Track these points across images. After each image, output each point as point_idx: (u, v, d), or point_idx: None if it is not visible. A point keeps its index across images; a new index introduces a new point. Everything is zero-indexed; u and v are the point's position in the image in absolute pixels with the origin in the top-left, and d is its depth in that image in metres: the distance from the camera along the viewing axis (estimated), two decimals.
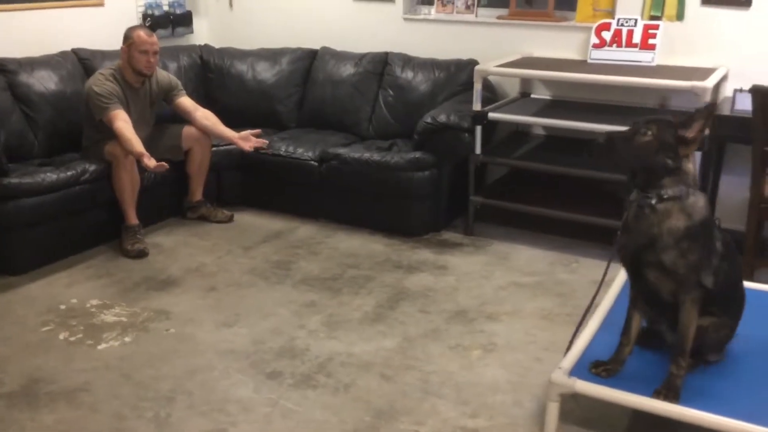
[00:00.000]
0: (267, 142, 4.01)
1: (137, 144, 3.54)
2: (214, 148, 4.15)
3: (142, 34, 3.75)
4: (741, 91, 3.68)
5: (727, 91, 3.79)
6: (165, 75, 4.04)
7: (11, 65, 3.89)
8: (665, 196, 1.97)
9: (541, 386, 2.52)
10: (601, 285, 2.25)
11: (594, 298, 2.24)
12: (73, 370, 2.69)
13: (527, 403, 2.50)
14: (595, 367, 2.19)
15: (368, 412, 2.45)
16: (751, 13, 3.72)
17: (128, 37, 3.76)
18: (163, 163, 3.51)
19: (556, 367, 2.22)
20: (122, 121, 3.62)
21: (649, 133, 1.97)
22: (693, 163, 2.01)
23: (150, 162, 3.47)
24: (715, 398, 2.05)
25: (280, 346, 2.86)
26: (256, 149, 3.92)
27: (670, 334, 2.16)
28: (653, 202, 1.98)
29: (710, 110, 1.92)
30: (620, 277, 2.77)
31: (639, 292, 2.16)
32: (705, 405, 2.01)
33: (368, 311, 3.15)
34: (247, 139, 3.89)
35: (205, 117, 4.02)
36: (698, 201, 2.00)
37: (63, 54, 4.18)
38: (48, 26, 4.25)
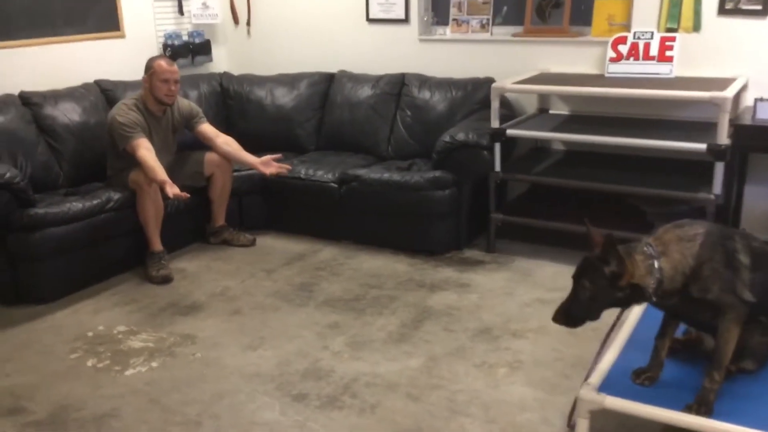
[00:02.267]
0: (289, 167, 4.05)
1: (160, 172, 3.59)
2: (235, 173, 4.19)
3: (162, 63, 3.82)
4: (762, 100, 3.65)
5: (748, 100, 3.76)
6: (186, 103, 4.10)
7: (36, 98, 3.98)
8: (657, 296, 1.96)
9: (570, 403, 2.49)
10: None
11: (619, 315, 2.21)
12: (102, 396, 2.70)
13: (556, 420, 2.47)
14: (637, 377, 2.17)
15: None
16: None
17: (149, 66, 3.83)
18: (185, 193, 3.54)
19: (584, 383, 2.20)
20: (145, 149, 3.67)
21: (587, 285, 1.97)
22: (637, 258, 1.95)
23: (172, 189, 3.51)
24: (750, 412, 2.01)
25: (305, 368, 2.86)
26: (278, 174, 3.96)
27: (709, 340, 2.13)
28: (654, 300, 1.98)
29: (610, 238, 1.91)
30: None
31: (679, 319, 2.14)
32: (739, 419, 1.97)
33: (392, 331, 3.15)
34: (268, 165, 3.93)
35: (227, 143, 4.07)
36: (673, 255, 1.95)
37: (86, 86, 4.27)
38: (71, 59, 4.35)
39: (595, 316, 2.02)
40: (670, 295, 1.97)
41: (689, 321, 2.12)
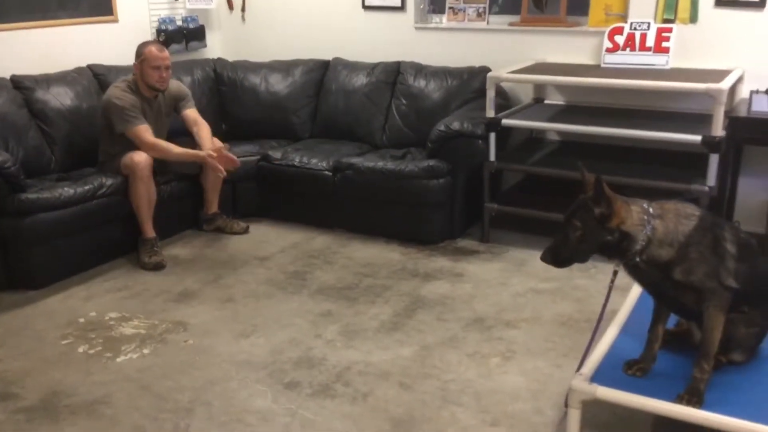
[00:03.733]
0: (237, 161, 3.90)
1: (181, 149, 3.77)
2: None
3: (153, 49, 3.78)
4: (757, 92, 3.66)
5: (743, 92, 3.76)
6: (176, 84, 4.06)
7: (27, 82, 3.94)
8: (642, 257, 1.98)
9: (562, 394, 2.49)
10: (608, 297, 2.23)
11: (604, 305, 2.22)
12: (93, 382, 2.69)
13: (548, 410, 2.48)
14: (629, 368, 2.17)
15: (387, 422, 2.43)
16: (765, 15, 3.71)
17: (140, 53, 3.79)
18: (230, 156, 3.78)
19: (576, 373, 2.20)
20: (152, 135, 3.72)
21: (578, 225, 1.98)
22: (633, 209, 1.98)
23: (213, 155, 3.71)
24: (740, 402, 2.02)
25: (298, 356, 2.85)
26: (228, 170, 3.84)
27: (698, 332, 2.14)
28: (637, 260, 1.99)
29: (599, 178, 1.93)
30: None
31: (664, 305, 2.15)
32: (729, 409, 1.97)
33: (385, 320, 3.14)
34: (213, 162, 3.74)
35: (198, 132, 3.96)
36: (668, 222, 1.98)
37: (78, 70, 4.23)
38: (63, 43, 4.30)
39: (583, 257, 2.05)
40: (653, 266, 1.98)
41: (674, 307, 2.13)
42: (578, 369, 2.18)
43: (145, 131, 3.71)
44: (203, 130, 4.01)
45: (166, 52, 3.84)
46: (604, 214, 1.96)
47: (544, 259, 2.07)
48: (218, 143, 3.94)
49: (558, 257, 2.06)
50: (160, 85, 3.82)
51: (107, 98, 3.76)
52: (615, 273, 2.14)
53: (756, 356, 2.22)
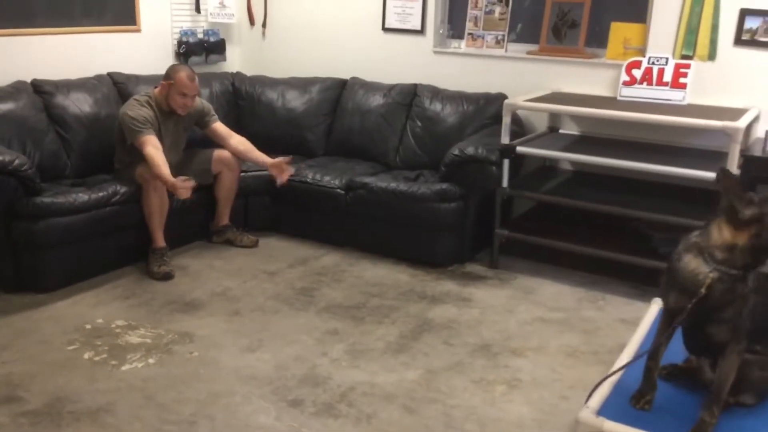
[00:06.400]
0: (293, 171, 4.09)
1: (166, 171, 3.59)
2: (242, 173, 4.19)
3: (184, 77, 3.77)
4: None
5: (759, 132, 3.77)
6: (198, 101, 4.09)
7: (48, 87, 3.98)
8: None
9: (567, 425, 2.48)
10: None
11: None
12: (97, 390, 2.69)
13: None
14: (636, 402, 2.16)
15: None
16: None
17: (170, 76, 3.80)
18: (190, 182, 3.59)
19: (582, 406, 2.19)
20: (153, 147, 3.66)
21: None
22: None
23: (183, 186, 3.55)
24: None
25: (303, 374, 2.85)
26: (287, 183, 4.02)
27: (708, 371, 2.12)
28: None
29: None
30: (648, 317, 2.74)
31: (688, 336, 2.13)
32: None
33: (391, 341, 3.14)
34: (279, 170, 3.96)
35: (241, 143, 4.09)
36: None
37: (99, 77, 4.27)
38: (85, 50, 4.35)
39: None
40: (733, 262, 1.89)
41: (700, 342, 2.09)
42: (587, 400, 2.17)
43: (147, 142, 3.67)
44: (245, 142, 4.11)
45: (197, 82, 3.85)
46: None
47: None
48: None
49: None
50: (181, 111, 3.85)
51: (123, 110, 3.79)
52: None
53: (766, 400, 2.21)
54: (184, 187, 3.56)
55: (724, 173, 1.91)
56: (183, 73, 3.80)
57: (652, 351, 2.17)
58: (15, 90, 3.84)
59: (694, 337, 2.12)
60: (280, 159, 4.00)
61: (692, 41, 3.89)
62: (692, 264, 1.95)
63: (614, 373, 2.27)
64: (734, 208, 1.88)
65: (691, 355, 2.27)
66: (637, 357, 2.25)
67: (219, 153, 4.07)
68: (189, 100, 3.83)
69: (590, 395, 2.21)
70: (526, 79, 4.34)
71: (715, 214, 1.96)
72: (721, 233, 1.91)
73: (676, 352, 2.36)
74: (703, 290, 1.91)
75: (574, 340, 3.19)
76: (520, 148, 3.87)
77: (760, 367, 2.10)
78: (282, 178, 4.00)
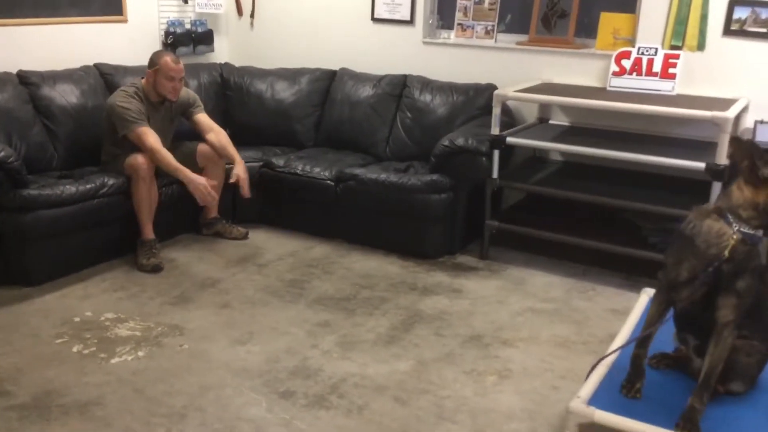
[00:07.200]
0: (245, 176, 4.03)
1: (181, 166, 3.71)
2: (229, 166, 4.16)
3: (169, 61, 3.76)
4: (762, 122, 3.67)
5: (748, 122, 3.78)
6: (184, 91, 4.05)
7: (34, 78, 3.93)
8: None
9: (558, 415, 2.49)
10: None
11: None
12: (86, 383, 2.67)
13: (544, 431, 2.47)
14: (627, 390, 2.17)
15: None
16: None
17: (155, 62, 3.78)
18: (213, 181, 3.78)
19: (573, 395, 2.19)
20: (154, 139, 3.69)
21: None
22: None
23: (204, 185, 3.73)
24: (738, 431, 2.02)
25: (294, 366, 2.84)
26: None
27: (697, 360, 2.13)
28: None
29: None
30: (638, 307, 2.75)
31: (683, 312, 2.12)
32: None
33: (382, 333, 3.13)
34: (206, 196, 3.82)
35: (217, 139, 4.03)
36: None
37: (85, 68, 4.22)
38: (71, 41, 4.30)
39: None
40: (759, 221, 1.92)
41: (696, 323, 2.10)
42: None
43: (147, 134, 3.68)
44: (222, 137, 4.05)
45: (181, 64, 3.83)
46: None
47: None
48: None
49: None
50: (172, 96, 3.82)
51: (111, 101, 3.75)
52: None
53: (755, 387, 2.22)
54: (210, 194, 3.73)
55: (737, 139, 1.94)
56: (167, 57, 3.78)
57: (642, 338, 2.18)
58: (0, 81, 3.78)
59: (697, 324, 2.11)
60: (235, 175, 3.96)
61: (681, 31, 3.89)
62: (716, 226, 1.97)
63: (611, 354, 2.28)
64: (754, 168, 1.89)
65: (681, 345, 2.28)
66: (632, 340, 2.25)
67: (203, 147, 4.04)
68: (177, 83, 3.81)
69: (588, 377, 2.23)
70: (516, 70, 4.33)
71: (732, 179, 1.98)
72: (742, 192, 1.94)
73: (665, 341, 2.37)
74: (726, 253, 1.93)
75: (564, 330, 3.20)
76: (510, 139, 3.87)
77: (747, 352, 2.11)
78: (243, 192, 3.99)
